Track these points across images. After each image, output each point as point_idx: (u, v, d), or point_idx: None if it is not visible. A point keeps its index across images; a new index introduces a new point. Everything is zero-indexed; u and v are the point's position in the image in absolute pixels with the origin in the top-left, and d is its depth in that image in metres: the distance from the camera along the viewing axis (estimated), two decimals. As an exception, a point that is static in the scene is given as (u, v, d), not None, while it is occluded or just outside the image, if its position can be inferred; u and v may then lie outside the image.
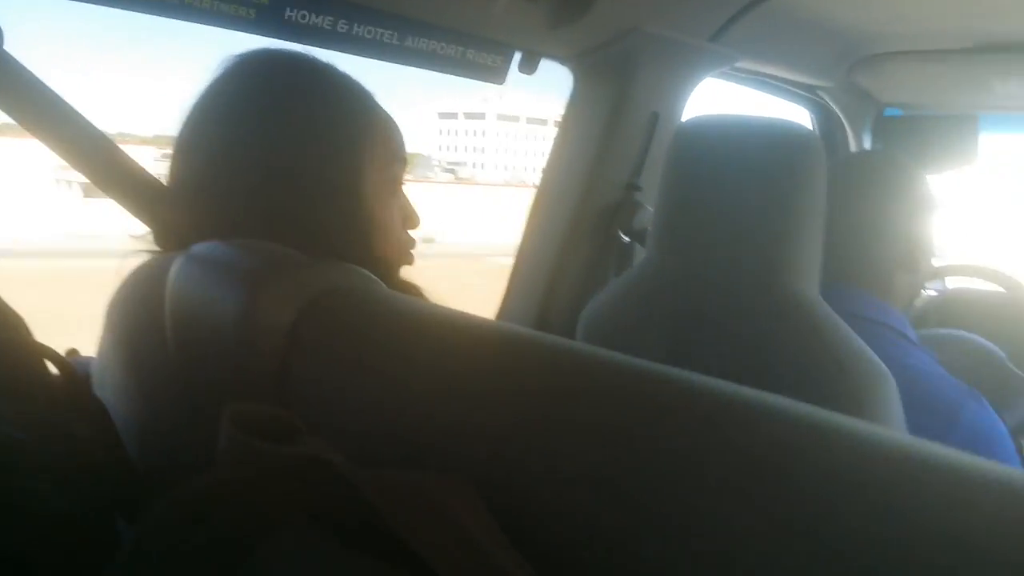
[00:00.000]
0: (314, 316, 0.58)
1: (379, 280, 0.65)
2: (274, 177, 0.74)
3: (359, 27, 1.17)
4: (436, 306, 0.64)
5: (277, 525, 0.43)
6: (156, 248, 0.81)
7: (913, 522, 0.34)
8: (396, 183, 0.83)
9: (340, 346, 0.57)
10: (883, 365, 0.90)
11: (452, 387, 0.51)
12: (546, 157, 1.62)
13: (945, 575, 0.32)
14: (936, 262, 1.33)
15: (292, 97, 0.77)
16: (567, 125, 1.57)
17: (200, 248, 0.63)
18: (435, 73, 1.31)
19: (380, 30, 1.19)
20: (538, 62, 1.42)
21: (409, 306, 0.61)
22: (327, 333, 0.58)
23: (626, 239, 1.56)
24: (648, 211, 1.51)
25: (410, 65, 1.29)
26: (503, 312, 1.62)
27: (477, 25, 1.28)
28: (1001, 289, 1.93)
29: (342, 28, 1.14)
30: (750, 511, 0.37)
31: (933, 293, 2.18)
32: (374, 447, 0.51)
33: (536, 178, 1.74)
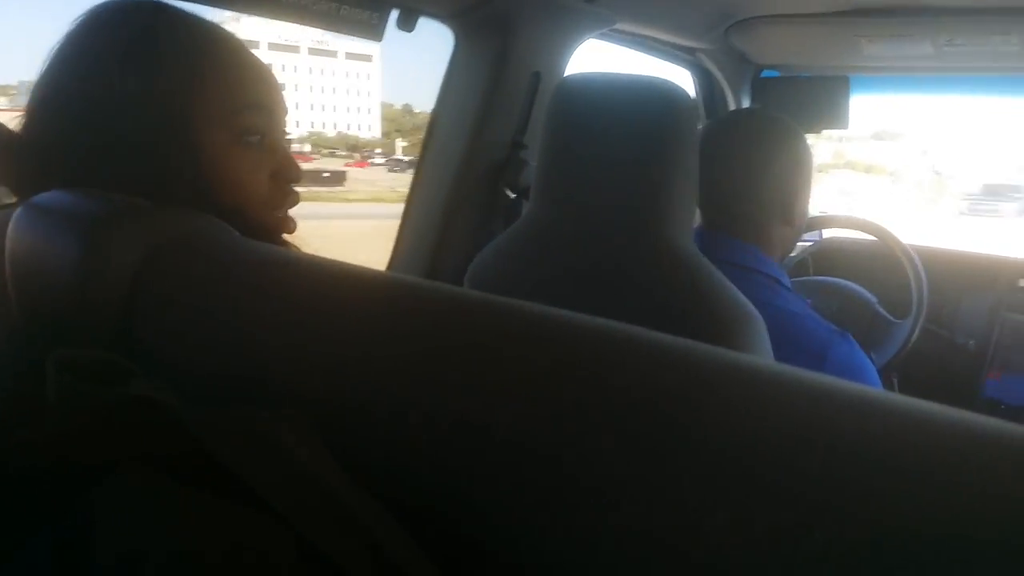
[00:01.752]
0: (159, 263, 0.58)
1: (232, 229, 0.65)
2: (117, 128, 0.73)
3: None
4: (291, 253, 0.64)
5: (110, 468, 0.44)
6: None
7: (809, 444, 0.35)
8: (251, 132, 0.80)
9: (186, 293, 0.57)
10: (752, 306, 0.95)
11: (300, 329, 0.51)
12: (429, 110, 1.62)
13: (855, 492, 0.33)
14: (812, 214, 1.39)
15: (137, 44, 0.75)
16: (450, 83, 1.58)
17: (41, 197, 0.62)
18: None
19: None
20: (416, 19, 1.41)
21: (261, 253, 0.61)
22: (173, 280, 0.58)
23: (513, 195, 1.59)
24: (532, 168, 1.53)
25: (280, 19, 1.27)
26: (391, 269, 1.62)
27: (350, -21, 1.26)
28: (873, 238, 2.04)
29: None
30: (633, 448, 0.37)
31: (809, 243, 2.29)
32: (215, 390, 0.52)
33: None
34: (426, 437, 0.43)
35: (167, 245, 0.59)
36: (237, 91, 0.80)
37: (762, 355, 0.96)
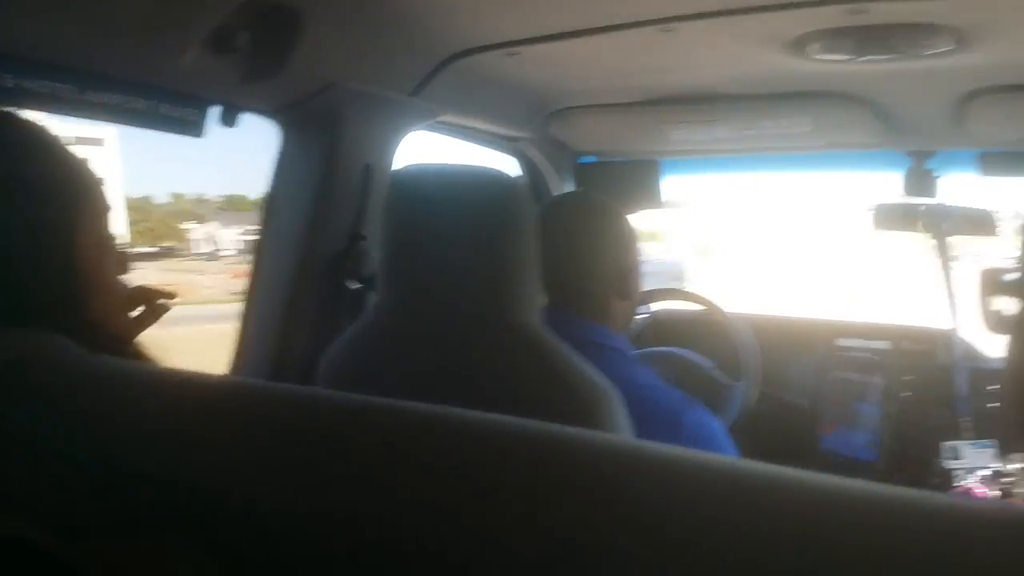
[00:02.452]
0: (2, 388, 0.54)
1: (76, 345, 0.62)
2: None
3: (31, 82, 1.09)
4: (146, 365, 0.61)
5: None
6: None
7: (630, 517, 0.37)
8: (109, 237, 0.80)
9: (36, 417, 0.53)
10: (607, 382, 0.97)
11: (167, 443, 0.49)
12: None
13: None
14: (643, 288, 1.46)
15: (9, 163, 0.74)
16: (280, 177, 1.56)
17: None
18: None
19: (56, 84, 1.12)
20: (238, 115, 1.40)
21: (107, 368, 0.58)
22: (17, 405, 0.54)
23: (356, 287, 1.57)
24: (374, 258, 1.53)
25: (98, 120, 1.22)
26: (233, 371, 1.55)
27: (167, 78, 1.24)
28: (699, 307, 2.15)
29: (8, 84, 1.06)
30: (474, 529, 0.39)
31: (644, 316, 2.39)
32: (87, 516, 0.48)
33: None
34: (295, 536, 0.42)
35: (7, 370, 0.55)
36: (99, 198, 0.79)
37: (622, 430, 0.98)
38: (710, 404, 1.83)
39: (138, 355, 0.81)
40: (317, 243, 1.52)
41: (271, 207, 1.57)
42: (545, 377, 0.95)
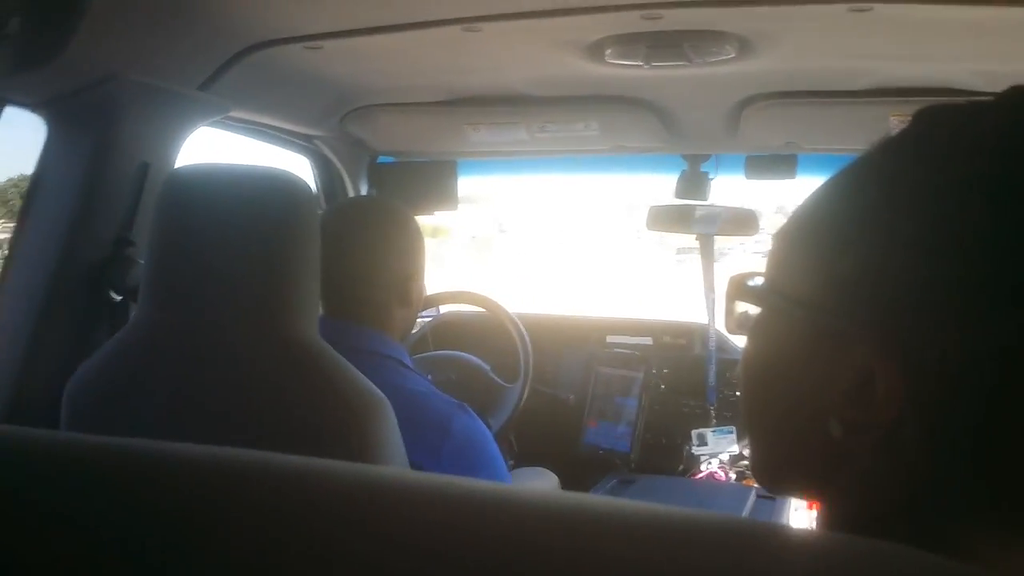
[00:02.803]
0: None
1: None
2: None
3: None
4: None
5: None
6: None
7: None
8: None
9: None
10: (379, 392, 0.98)
11: None
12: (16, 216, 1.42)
13: None
14: (427, 291, 1.47)
15: None
16: (41, 177, 1.40)
17: None
18: None
19: None
20: (1, 108, 1.24)
21: None
22: None
23: (119, 298, 1.44)
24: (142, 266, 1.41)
25: None
26: None
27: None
28: (483, 310, 2.19)
29: None
30: None
31: (427, 319, 2.39)
32: None
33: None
34: None
35: None
36: None
37: (393, 438, 1.00)
38: (484, 405, 1.90)
39: None
40: (78, 248, 1.38)
41: (30, 207, 1.40)
42: (318, 390, 0.94)
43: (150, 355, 0.97)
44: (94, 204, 1.39)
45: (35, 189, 1.40)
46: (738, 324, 0.57)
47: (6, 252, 1.44)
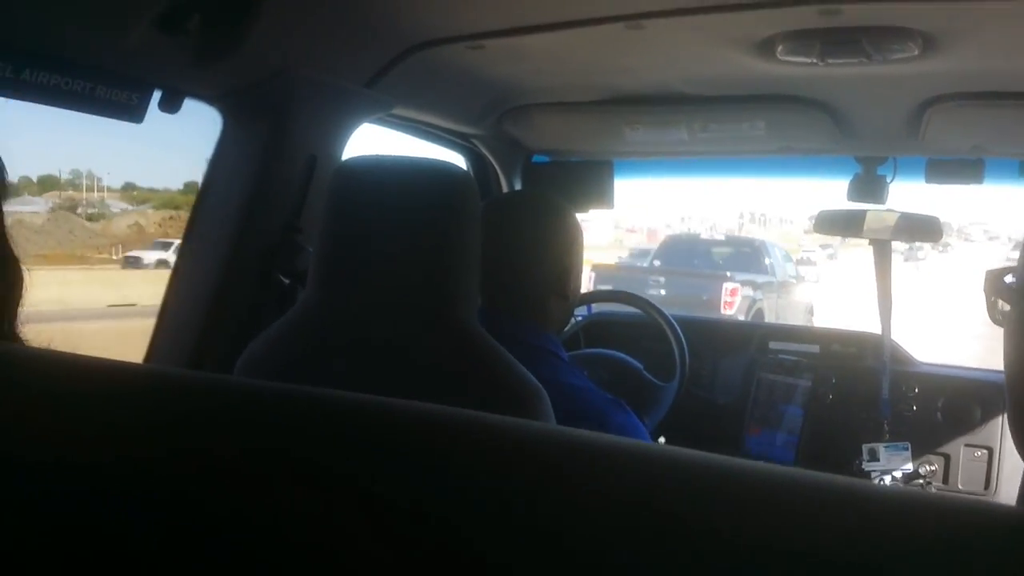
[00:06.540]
0: None
1: None
2: None
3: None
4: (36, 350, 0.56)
5: None
6: None
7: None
8: None
9: None
10: (537, 382, 0.98)
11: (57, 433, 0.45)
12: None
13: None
14: (583, 289, 1.45)
15: None
16: (218, 165, 1.47)
17: None
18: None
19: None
20: (181, 101, 1.31)
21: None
22: None
23: (287, 281, 1.50)
24: (310, 253, 1.47)
25: (31, 101, 1.13)
26: (148, 360, 1.47)
27: (108, 59, 1.15)
28: (637, 311, 2.15)
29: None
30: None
31: (580, 318, 2.38)
32: None
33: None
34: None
35: None
36: None
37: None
38: (637, 404, 1.85)
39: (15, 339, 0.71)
40: (250, 234, 1.45)
41: (205, 196, 1.49)
42: (477, 374, 0.96)
43: (317, 334, 1.00)
44: (265, 193, 1.45)
45: (210, 178, 1.48)
46: (1000, 317, 0.57)
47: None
